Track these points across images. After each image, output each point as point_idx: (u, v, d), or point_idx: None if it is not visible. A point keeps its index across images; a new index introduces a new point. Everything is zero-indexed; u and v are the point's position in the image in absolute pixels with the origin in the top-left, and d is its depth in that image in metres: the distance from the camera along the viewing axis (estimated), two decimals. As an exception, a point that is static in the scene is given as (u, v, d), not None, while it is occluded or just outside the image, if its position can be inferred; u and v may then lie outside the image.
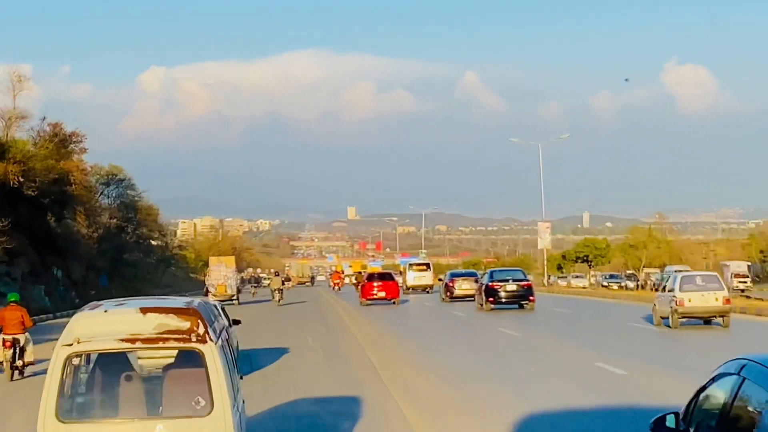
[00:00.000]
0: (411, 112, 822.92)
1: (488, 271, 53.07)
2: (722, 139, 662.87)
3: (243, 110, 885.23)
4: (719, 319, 32.96)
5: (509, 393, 17.61)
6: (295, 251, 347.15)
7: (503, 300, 44.43)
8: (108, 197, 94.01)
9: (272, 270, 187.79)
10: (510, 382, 19.49)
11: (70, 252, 72.64)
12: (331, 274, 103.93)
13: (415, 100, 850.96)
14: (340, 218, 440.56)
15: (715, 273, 38.19)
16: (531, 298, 44.63)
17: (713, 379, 7.09)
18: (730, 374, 6.73)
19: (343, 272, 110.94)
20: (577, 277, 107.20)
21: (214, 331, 8.65)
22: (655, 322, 34.18)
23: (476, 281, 53.39)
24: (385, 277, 55.44)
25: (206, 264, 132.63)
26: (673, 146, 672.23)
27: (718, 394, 6.85)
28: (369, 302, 52.05)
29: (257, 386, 17.71)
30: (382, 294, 52.52)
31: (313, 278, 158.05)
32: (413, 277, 73.85)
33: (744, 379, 6.45)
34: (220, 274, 60.60)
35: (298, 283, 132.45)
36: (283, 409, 16.39)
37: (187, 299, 9.34)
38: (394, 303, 51.96)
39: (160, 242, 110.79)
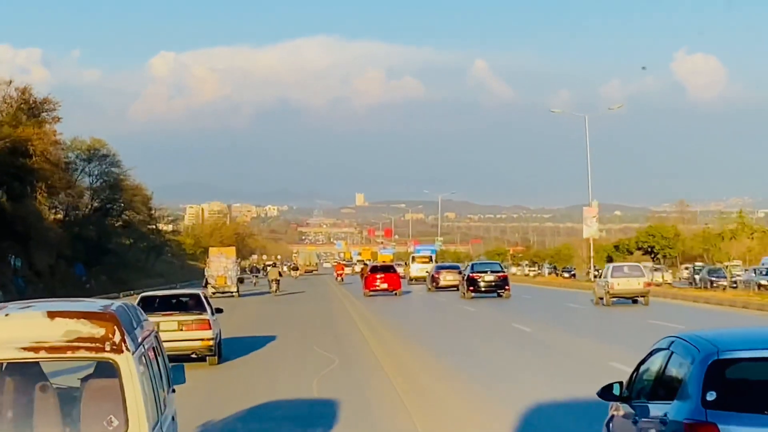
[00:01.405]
0: (420, 99, 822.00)
1: (470, 263, 58.94)
2: (732, 128, 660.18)
3: (252, 96, 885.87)
4: (641, 299, 42.94)
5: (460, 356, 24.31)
6: (303, 237, 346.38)
7: (482, 289, 50.15)
8: (89, 175, 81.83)
9: (274, 257, 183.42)
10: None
11: (33, 237, 62.08)
12: (335, 265, 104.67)
13: (425, 88, 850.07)
14: (349, 204, 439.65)
15: (639, 264, 49.47)
16: (507, 287, 50.49)
17: (650, 354, 8.56)
18: (663, 349, 8.28)
19: (346, 265, 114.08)
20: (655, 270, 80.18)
21: (134, 339, 7.52)
22: (594, 303, 44.17)
23: (459, 273, 58.63)
24: (387, 269, 57.93)
25: (206, 251, 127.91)
26: (682, 135, 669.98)
27: (653, 365, 8.35)
28: (372, 293, 53.87)
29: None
30: (385, 285, 54.29)
31: (316, 264, 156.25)
32: (417, 269, 76.89)
33: (672, 352, 7.98)
34: (220, 266, 58.10)
35: (306, 272, 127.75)
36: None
37: (106, 302, 8.13)
38: (395, 294, 53.84)
39: (151, 227, 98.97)
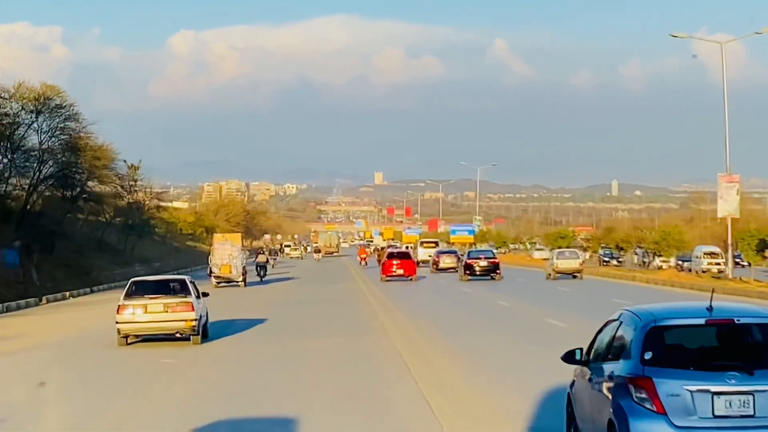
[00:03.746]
0: (440, 78, 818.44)
1: (468, 250, 66.74)
2: (752, 108, 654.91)
3: (272, 74, 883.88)
4: (578, 275, 57.70)
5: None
6: (322, 216, 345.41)
7: (477, 273, 56.90)
8: (38, 132, 60.96)
9: (291, 237, 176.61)
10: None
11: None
12: (358, 248, 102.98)
13: (444, 67, 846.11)
14: (368, 183, 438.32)
15: (576, 249, 68.53)
16: (498, 271, 57.11)
17: (606, 324, 10.17)
18: (615, 320, 9.89)
19: (368, 246, 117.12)
20: None
21: None
22: (545, 277, 58.42)
23: (457, 257, 67.19)
24: (404, 255, 60.94)
25: (207, 231, 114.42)
26: (702, 115, 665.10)
27: (607, 334, 9.98)
28: (388, 278, 56.51)
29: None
30: (401, 272, 56.83)
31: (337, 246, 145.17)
32: (423, 253, 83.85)
33: (621, 322, 9.63)
34: (225, 253, 53.55)
35: (327, 254, 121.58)
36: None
37: None
38: (411, 279, 56.53)
39: (127, 200, 78.48)
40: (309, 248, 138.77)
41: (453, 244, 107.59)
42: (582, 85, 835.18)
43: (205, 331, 25.18)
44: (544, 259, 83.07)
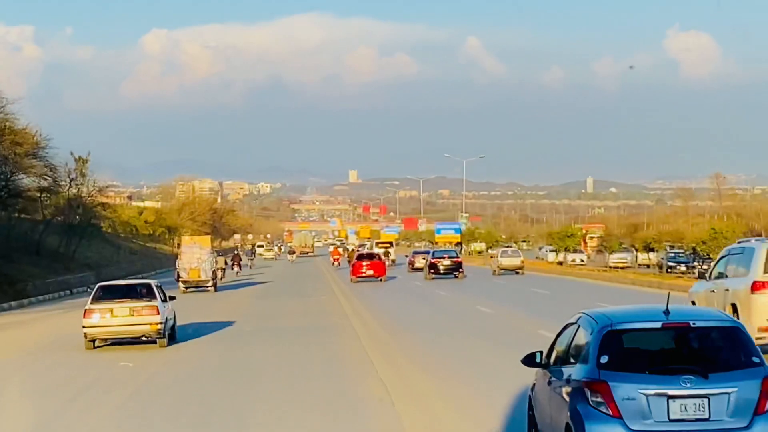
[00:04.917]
0: (413, 76, 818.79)
1: (432, 251, 67.52)
2: (724, 105, 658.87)
3: (245, 73, 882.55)
4: (520, 271, 62.67)
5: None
6: (296, 215, 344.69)
7: (441, 271, 58.82)
8: None
9: (263, 237, 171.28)
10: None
11: None
12: (331, 250, 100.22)
13: (417, 65, 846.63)
14: (342, 182, 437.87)
15: (518, 248, 75.17)
16: (461, 270, 59.20)
17: (564, 327, 10.20)
18: (572, 323, 9.92)
19: (341, 247, 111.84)
20: None
21: None
22: (491, 273, 63.44)
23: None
24: (372, 257, 61.59)
25: (169, 230, 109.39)
26: (674, 112, 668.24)
27: (565, 337, 10.01)
28: (358, 279, 56.91)
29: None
30: (370, 272, 57.20)
31: (312, 246, 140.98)
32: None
33: (579, 326, 9.65)
34: (193, 257, 50.47)
35: (301, 254, 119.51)
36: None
37: None
38: (380, 280, 57.15)
39: (66, 195, 67.92)
40: (283, 248, 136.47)
41: (436, 243, 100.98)
42: (555, 83, 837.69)
43: (173, 334, 25.53)
44: (559, 263, 77.27)
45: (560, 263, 78.95)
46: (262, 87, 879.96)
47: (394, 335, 26.26)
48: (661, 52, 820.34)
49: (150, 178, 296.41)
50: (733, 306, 19.01)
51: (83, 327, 23.99)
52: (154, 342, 24.40)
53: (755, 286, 18.43)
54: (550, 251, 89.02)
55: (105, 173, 77.37)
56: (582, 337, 9.39)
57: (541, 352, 10.42)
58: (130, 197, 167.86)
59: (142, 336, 24.22)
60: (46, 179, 62.47)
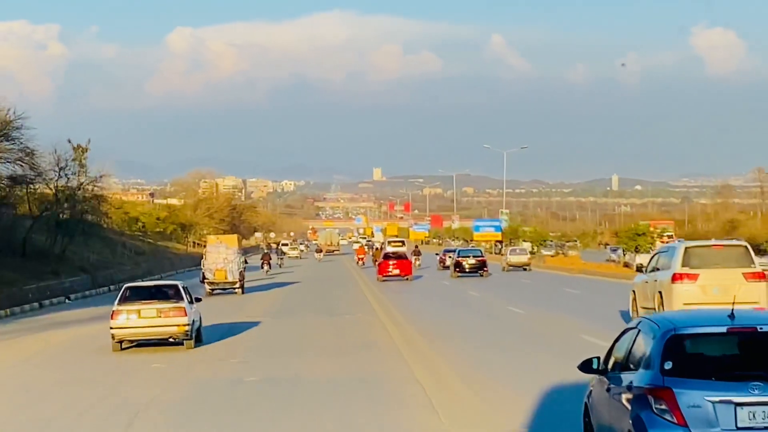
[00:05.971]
0: (437, 73, 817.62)
1: (457, 249, 70.74)
2: (750, 102, 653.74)
3: (270, 71, 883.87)
4: (528, 268, 68.76)
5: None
6: (320, 212, 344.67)
7: (467, 270, 60.13)
8: None
9: (287, 235, 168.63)
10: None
11: None
12: (356, 248, 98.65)
13: (442, 62, 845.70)
14: (366, 179, 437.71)
15: (525, 248, 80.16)
16: (485, 269, 60.65)
17: (623, 333, 9.99)
18: (632, 328, 9.73)
19: (367, 245, 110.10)
20: None
21: None
22: (501, 270, 67.99)
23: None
24: (399, 256, 61.34)
25: (183, 228, 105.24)
26: (700, 109, 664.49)
27: (624, 342, 9.77)
28: (384, 278, 57.11)
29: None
30: (397, 272, 57.58)
31: (338, 244, 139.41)
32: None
33: (639, 330, 9.45)
34: (219, 257, 48.12)
35: (327, 252, 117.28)
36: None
37: None
38: (407, 279, 57.33)
39: (53, 187, 59.64)
40: (303, 246, 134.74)
41: (470, 241, 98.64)
42: (579, 80, 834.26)
43: (199, 336, 25.49)
44: (638, 267, 53.54)
45: (626, 265, 67.35)
46: (286, 85, 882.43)
47: (444, 356, 21.40)
48: (686, 49, 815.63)
49: (175, 177, 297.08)
50: (660, 293, 23.59)
51: (111, 328, 24.05)
52: (181, 344, 24.38)
53: (675, 277, 23.19)
54: (635, 253, 69.57)
55: (111, 166, 68.76)
56: (643, 343, 9.16)
57: (598, 358, 10.14)
58: (152, 194, 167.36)
59: (170, 337, 24.26)
60: (21, 165, 54.59)
